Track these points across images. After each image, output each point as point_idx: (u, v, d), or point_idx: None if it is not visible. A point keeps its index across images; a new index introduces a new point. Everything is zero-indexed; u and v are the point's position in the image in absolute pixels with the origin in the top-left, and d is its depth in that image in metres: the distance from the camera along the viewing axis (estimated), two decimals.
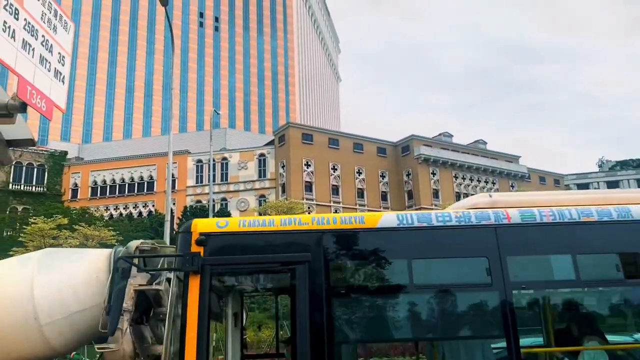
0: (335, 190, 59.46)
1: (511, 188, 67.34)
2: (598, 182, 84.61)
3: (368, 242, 5.78)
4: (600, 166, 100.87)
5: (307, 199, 56.26)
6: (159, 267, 5.69)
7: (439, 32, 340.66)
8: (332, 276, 5.55)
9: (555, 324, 6.00)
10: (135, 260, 5.45)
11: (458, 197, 62.18)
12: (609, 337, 5.97)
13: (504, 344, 5.48)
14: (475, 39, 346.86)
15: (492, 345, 5.97)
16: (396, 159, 64.28)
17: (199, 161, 60.78)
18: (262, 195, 58.87)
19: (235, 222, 5.66)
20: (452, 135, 71.43)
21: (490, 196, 6.58)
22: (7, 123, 4.88)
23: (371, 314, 5.79)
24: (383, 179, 62.91)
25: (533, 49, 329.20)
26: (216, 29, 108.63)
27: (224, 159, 60.75)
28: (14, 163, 54.14)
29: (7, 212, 55.21)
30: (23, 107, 4.79)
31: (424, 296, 5.79)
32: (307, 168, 58.29)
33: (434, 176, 62.95)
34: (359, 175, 61.31)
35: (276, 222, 5.68)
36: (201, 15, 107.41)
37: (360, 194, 60.60)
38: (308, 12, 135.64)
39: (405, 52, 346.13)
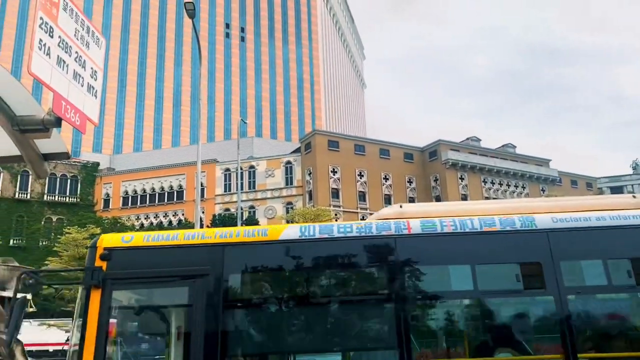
0: (362, 196, 59.29)
1: (542, 192, 66.07)
2: (632, 185, 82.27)
3: (270, 255, 5.81)
4: (634, 168, 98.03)
5: (334, 206, 56.26)
6: (69, 280, 6.03)
7: (463, 35, 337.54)
8: (230, 289, 5.62)
9: (448, 335, 5.87)
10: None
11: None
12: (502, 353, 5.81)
13: (397, 353, 5.42)
14: (500, 41, 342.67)
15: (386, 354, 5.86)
16: (423, 164, 63.78)
17: (227, 170, 61.39)
18: (290, 203, 59.11)
19: (140, 237, 5.79)
20: (480, 140, 70.51)
21: (401, 207, 6.57)
22: (43, 137, 5.03)
23: (269, 325, 5.78)
24: (410, 184, 62.47)
25: (562, 50, 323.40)
26: (242, 39, 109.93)
27: (251, 167, 61.25)
28: (48, 175, 55.61)
29: (42, 223, 56.74)
30: (58, 122, 4.93)
31: (324, 307, 5.76)
32: (334, 175, 58.32)
33: (462, 181, 62.22)
34: (386, 182, 61.02)
35: (180, 237, 5.77)
36: (227, 26, 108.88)
37: (388, 200, 60.29)
38: (332, 20, 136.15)
39: (430, 57, 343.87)
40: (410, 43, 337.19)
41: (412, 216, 6.13)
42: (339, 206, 56.90)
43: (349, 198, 58.14)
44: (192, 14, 20.81)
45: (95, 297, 5.29)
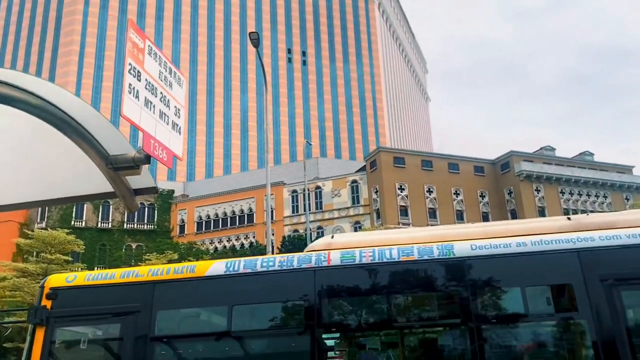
0: (432, 213, 58.12)
1: (626, 201, 62.05)
2: None
3: (195, 291, 5.98)
4: None
5: (403, 224, 55.50)
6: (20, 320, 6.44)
7: (526, 40, 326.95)
8: (159, 325, 5.81)
9: None
10: None
11: (567, 213, 58.31)
12: None
13: None
14: (566, 44, 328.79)
15: None
16: (495, 177, 61.76)
17: (294, 191, 62.23)
18: (357, 222, 58.93)
19: (82, 276, 6.17)
20: (554, 149, 67.55)
21: (332, 237, 6.61)
22: (134, 174, 5.30)
23: (193, 358, 6.00)
24: (483, 198, 60.59)
25: (633, 50, 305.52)
26: (304, 62, 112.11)
27: (318, 187, 61.75)
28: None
29: (123, 250, 59.73)
30: (147, 159, 5.18)
31: (247, 340, 5.89)
32: (401, 192, 57.63)
33: (538, 193, 59.62)
34: (457, 197, 59.54)
35: (116, 275, 6.09)
36: (289, 51, 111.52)
37: (459, 215, 58.73)
38: (392, 37, 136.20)
39: (493, 65, 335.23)
40: (472, 52, 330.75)
41: (340, 247, 6.20)
42: (408, 224, 56.06)
43: (419, 215, 57.15)
44: (257, 43, 21.53)
45: (40, 334, 5.68)
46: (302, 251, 6.46)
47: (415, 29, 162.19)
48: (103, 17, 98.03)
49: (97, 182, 5.47)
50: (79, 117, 4.79)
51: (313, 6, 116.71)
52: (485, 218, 59.52)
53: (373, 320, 5.98)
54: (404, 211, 57.11)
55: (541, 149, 66.84)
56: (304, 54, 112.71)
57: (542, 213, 58.32)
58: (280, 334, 5.94)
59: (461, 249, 5.72)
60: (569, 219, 6.27)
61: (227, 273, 5.97)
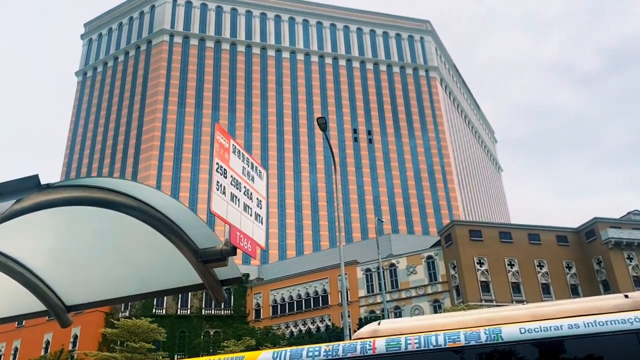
0: (515, 287, 54.95)
1: None
2: None
3: None
4: None
5: (485, 300, 52.70)
6: None
7: (592, 103, 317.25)
8: None
9: None
10: None
11: None
12: None
13: None
14: (635, 104, 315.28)
15: None
16: (581, 247, 58.09)
17: (368, 270, 61.22)
18: (436, 300, 56.61)
19: None
20: None
21: (379, 324, 6.56)
22: (222, 266, 5.53)
23: None
24: (570, 269, 56.82)
25: None
26: (370, 141, 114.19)
27: (392, 265, 60.47)
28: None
29: (202, 337, 60.23)
30: (234, 251, 5.41)
31: None
32: (481, 267, 55.23)
33: (631, 261, 55.23)
34: (541, 269, 56.22)
35: None
36: (355, 131, 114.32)
37: (546, 289, 55.14)
38: (457, 109, 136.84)
39: (561, 131, 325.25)
40: (539, 118, 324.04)
41: (387, 334, 6.18)
42: (492, 300, 53.15)
43: (501, 290, 54.19)
44: (324, 127, 22.39)
45: None
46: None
47: (478, 98, 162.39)
48: (181, 113, 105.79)
49: (188, 275, 5.73)
50: (172, 215, 5.12)
51: (376, 87, 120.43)
52: (574, 291, 55.51)
53: None
54: (485, 287, 54.40)
55: (628, 213, 62.70)
56: (369, 132, 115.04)
57: (638, 283, 53.69)
58: None
59: (509, 332, 5.57)
60: (626, 296, 5.90)
61: None
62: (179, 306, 62.40)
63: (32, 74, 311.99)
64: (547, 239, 57.86)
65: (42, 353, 58.82)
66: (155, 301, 61.01)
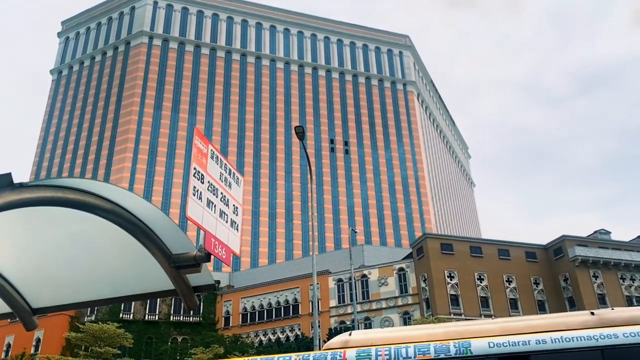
0: (484, 302, 55.66)
1: None
2: None
3: None
4: None
5: (454, 314, 53.19)
6: None
7: (560, 124, 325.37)
8: None
9: None
10: None
11: (629, 301, 54.80)
12: None
13: None
14: (601, 126, 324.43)
15: None
16: (549, 263, 59.24)
17: (340, 280, 61.22)
18: (406, 312, 56.90)
19: None
20: (609, 232, 64.83)
21: (350, 334, 6.64)
22: (195, 272, 5.48)
23: None
24: (537, 286, 57.84)
25: None
26: (346, 152, 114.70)
27: (364, 276, 60.60)
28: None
29: (170, 343, 59.19)
30: (208, 257, 5.37)
31: None
32: (451, 280, 55.80)
33: (596, 279, 56.54)
34: (509, 284, 57.09)
35: None
36: (332, 141, 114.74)
37: (514, 304, 55.99)
38: (433, 124, 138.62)
39: (530, 150, 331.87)
40: (513, 137, 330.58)
41: (358, 344, 6.22)
42: (460, 314, 53.68)
43: (470, 304, 54.81)
44: (302, 136, 22.43)
45: None
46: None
47: (453, 114, 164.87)
48: (157, 115, 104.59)
49: (159, 280, 5.66)
50: (146, 219, 5.06)
51: (354, 99, 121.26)
52: (540, 306, 56.50)
53: None
54: (454, 300, 54.94)
55: (595, 232, 64.28)
56: (346, 143, 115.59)
57: (602, 300, 54.97)
58: None
59: (478, 346, 5.65)
60: (592, 313, 6.05)
61: None
62: (147, 311, 61.27)
63: (1, 70, 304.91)
64: (516, 254, 58.86)
65: (3, 356, 57.01)
66: (122, 306, 59.77)
